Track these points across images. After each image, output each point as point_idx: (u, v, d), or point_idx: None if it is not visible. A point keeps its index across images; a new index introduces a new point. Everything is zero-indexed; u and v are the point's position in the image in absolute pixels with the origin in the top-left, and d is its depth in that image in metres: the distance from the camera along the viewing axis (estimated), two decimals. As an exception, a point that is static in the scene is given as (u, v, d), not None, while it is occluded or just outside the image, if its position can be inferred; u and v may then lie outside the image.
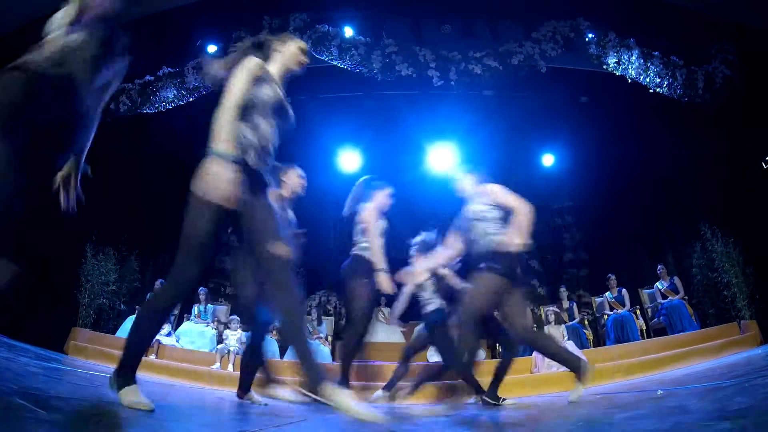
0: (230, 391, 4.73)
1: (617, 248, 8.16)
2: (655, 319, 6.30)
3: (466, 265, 3.33)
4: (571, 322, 6.31)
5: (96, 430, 1.31)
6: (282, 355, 6.39)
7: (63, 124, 1.81)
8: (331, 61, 6.19)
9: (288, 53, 2.16)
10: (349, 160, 8.54)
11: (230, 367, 5.39)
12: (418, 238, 3.92)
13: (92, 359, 5.36)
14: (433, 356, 6.50)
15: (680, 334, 5.57)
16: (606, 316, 6.47)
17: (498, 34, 6.64)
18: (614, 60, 6.01)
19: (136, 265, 7.08)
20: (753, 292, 5.33)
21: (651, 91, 6.00)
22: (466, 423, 2.53)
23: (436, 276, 3.57)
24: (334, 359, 6.57)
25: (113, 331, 6.29)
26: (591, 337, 6.48)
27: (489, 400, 3.26)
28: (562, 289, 6.95)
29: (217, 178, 1.68)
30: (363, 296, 3.40)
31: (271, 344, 6.40)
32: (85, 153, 2.12)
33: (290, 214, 3.29)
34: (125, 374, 1.67)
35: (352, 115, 7.89)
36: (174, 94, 6.33)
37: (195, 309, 6.72)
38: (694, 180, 6.62)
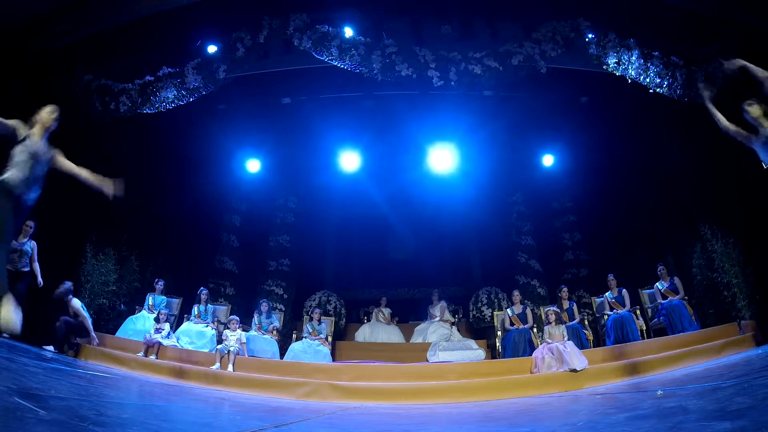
0: (230, 391, 4.74)
1: (617, 248, 8.16)
2: (655, 319, 6.29)
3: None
4: (571, 322, 6.30)
5: (96, 430, 1.31)
6: (282, 355, 6.39)
7: None
8: (331, 61, 6.18)
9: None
10: (349, 160, 8.53)
11: (230, 367, 5.38)
12: None
13: (92, 359, 5.36)
14: (432, 357, 6.50)
15: (680, 334, 5.57)
16: (606, 316, 6.47)
17: (498, 34, 6.62)
18: (614, 60, 6.00)
19: (136, 265, 7.08)
20: (753, 292, 5.33)
21: (651, 91, 5.99)
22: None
23: None
24: (334, 359, 6.57)
25: (113, 331, 6.29)
26: (591, 337, 6.47)
27: None
28: (563, 289, 6.94)
29: None
30: None
31: (271, 344, 6.40)
32: None
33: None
34: None
35: (352, 115, 7.89)
36: (174, 94, 6.32)
37: (195, 309, 6.72)
38: (694, 180, 6.61)
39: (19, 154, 3.07)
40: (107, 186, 3.39)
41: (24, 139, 3.10)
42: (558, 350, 4.94)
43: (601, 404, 2.77)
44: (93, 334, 5.60)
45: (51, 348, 5.19)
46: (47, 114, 3.30)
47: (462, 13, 6.71)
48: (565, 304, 6.73)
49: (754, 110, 3.50)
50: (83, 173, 3.42)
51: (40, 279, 5.38)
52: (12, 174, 3.03)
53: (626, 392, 3.41)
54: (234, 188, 9.06)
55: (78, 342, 5.59)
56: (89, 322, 5.61)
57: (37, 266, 5.41)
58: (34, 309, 5.45)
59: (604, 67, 6.11)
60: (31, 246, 5.33)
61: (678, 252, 6.83)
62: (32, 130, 3.22)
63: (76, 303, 5.61)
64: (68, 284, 5.59)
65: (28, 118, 3.27)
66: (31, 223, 5.34)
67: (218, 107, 7.85)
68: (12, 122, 3.10)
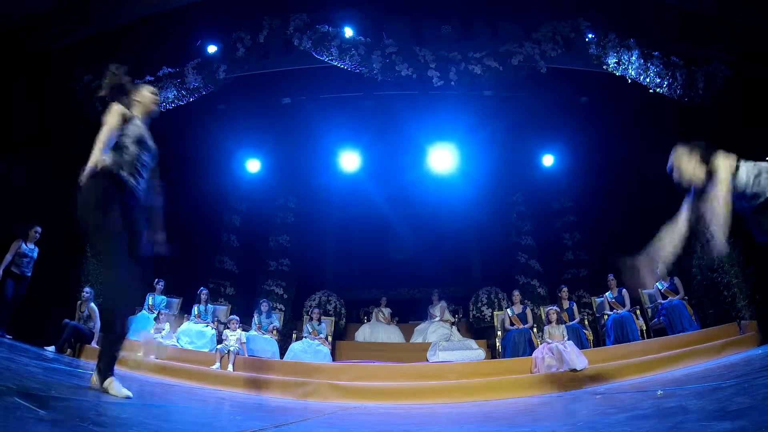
0: (230, 391, 4.74)
1: (617, 248, 8.14)
2: (655, 319, 6.30)
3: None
4: (571, 322, 6.30)
5: (96, 430, 1.31)
6: (282, 355, 6.39)
7: None
8: (331, 61, 6.18)
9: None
10: (349, 160, 8.54)
11: (230, 367, 5.38)
12: None
13: (92, 359, 5.36)
14: (432, 357, 6.50)
15: (680, 334, 5.57)
16: (606, 316, 6.47)
17: (498, 34, 6.63)
18: (614, 60, 6.00)
19: (136, 265, 7.08)
20: (753, 292, 5.32)
21: (651, 91, 5.99)
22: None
23: None
24: (334, 359, 6.57)
25: (113, 331, 6.30)
26: (591, 337, 6.47)
27: None
28: (563, 289, 6.94)
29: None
30: None
31: (271, 344, 6.40)
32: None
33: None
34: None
35: (352, 115, 7.89)
36: (174, 94, 6.32)
37: (195, 309, 6.72)
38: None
39: (125, 138, 2.57)
40: (160, 238, 2.97)
41: (129, 121, 2.60)
42: (558, 350, 4.94)
43: (601, 404, 2.77)
44: (96, 339, 5.67)
45: (51, 348, 5.21)
46: (149, 95, 2.78)
47: (462, 13, 6.72)
48: (565, 304, 6.73)
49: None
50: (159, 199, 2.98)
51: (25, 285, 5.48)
52: (119, 159, 2.53)
53: (626, 392, 3.41)
54: (234, 188, 9.06)
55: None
56: (98, 329, 5.72)
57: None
58: (36, 311, 5.49)
59: (604, 67, 6.11)
60: (36, 251, 5.46)
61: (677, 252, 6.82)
62: (134, 112, 2.69)
63: (95, 309, 5.73)
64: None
65: (124, 98, 2.71)
66: (38, 229, 5.43)
67: (218, 107, 7.85)
68: (117, 119, 2.54)
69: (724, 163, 2.61)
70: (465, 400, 4.41)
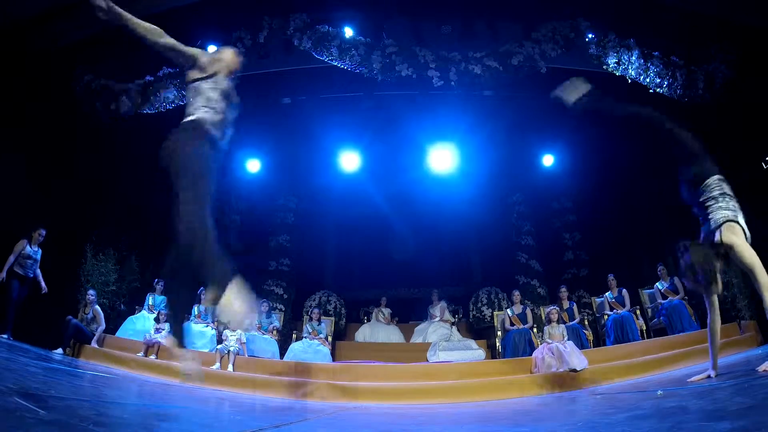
0: (230, 391, 4.74)
1: (617, 248, 8.16)
2: (655, 319, 6.30)
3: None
4: (571, 322, 6.30)
5: (96, 430, 1.31)
6: (282, 355, 6.39)
7: None
8: (331, 61, 6.19)
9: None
10: (349, 160, 8.54)
11: (230, 368, 5.39)
12: None
13: (92, 359, 5.36)
14: (432, 357, 6.50)
15: (680, 334, 5.57)
16: (606, 316, 6.47)
17: (498, 34, 6.63)
18: (614, 60, 6.01)
19: (136, 265, 7.09)
20: (753, 292, 5.32)
21: (651, 91, 6.00)
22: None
23: None
24: (334, 359, 6.57)
25: (113, 331, 6.29)
26: (591, 337, 6.48)
27: None
28: (562, 289, 6.94)
29: None
30: None
31: (271, 344, 6.40)
32: None
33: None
34: None
35: (352, 115, 7.89)
36: (174, 94, 6.33)
37: (195, 309, 6.72)
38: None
39: (210, 91, 2.53)
40: None
41: (212, 75, 2.56)
42: (558, 350, 4.94)
43: (601, 404, 2.77)
44: (96, 339, 5.70)
45: (60, 351, 5.23)
46: (232, 56, 2.74)
47: (462, 13, 6.72)
48: (565, 304, 6.73)
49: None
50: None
51: (43, 284, 5.53)
52: (205, 113, 2.47)
53: (626, 392, 3.41)
54: (234, 188, 9.06)
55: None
56: (101, 331, 5.75)
57: (39, 272, 5.54)
58: (36, 311, 5.50)
59: (604, 67, 6.11)
60: (40, 253, 5.50)
61: (678, 252, 6.82)
62: (217, 67, 2.65)
63: (100, 311, 5.85)
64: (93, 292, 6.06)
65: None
66: (42, 231, 5.48)
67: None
68: (193, 51, 2.57)
69: (735, 238, 2.86)
70: (465, 401, 4.41)
